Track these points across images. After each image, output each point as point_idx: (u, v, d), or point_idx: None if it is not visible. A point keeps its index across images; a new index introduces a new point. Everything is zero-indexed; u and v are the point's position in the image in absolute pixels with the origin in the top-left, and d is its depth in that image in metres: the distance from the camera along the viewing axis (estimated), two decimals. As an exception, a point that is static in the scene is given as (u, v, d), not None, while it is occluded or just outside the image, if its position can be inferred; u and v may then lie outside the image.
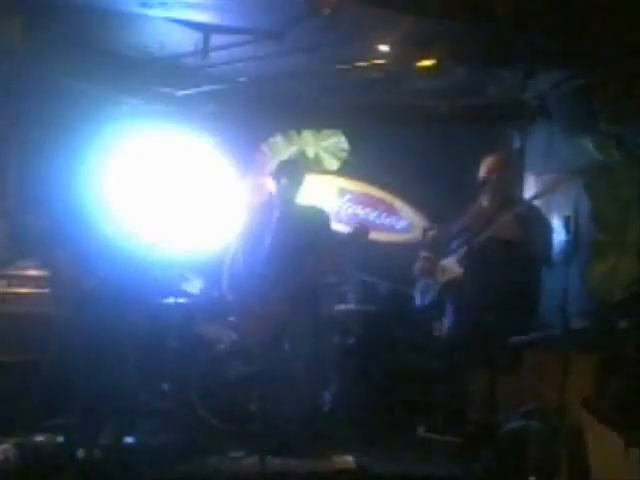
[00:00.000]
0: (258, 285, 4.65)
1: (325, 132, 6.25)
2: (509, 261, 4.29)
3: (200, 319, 5.25)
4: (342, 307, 5.49)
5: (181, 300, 5.22)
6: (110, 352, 4.44)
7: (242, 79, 5.33)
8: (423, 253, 4.74)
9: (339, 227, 5.70)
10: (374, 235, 6.09)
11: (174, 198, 5.89)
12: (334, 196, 6.28)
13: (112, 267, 4.61)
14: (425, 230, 5.93)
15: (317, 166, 6.18)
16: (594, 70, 4.62)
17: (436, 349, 5.25)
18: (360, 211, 6.34)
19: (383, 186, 6.32)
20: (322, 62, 4.94)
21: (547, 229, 4.42)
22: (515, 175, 4.91)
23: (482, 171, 4.53)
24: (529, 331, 4.09)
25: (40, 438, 4.17)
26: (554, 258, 4.37)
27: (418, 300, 4.75)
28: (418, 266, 4.72)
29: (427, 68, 4.83)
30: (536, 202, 4.67)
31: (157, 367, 5.02)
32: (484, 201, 4.56)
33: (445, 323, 4.68)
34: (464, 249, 4.44)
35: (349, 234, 4.78)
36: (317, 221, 4.80)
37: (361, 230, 4.68)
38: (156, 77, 5.39)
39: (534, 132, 5.63)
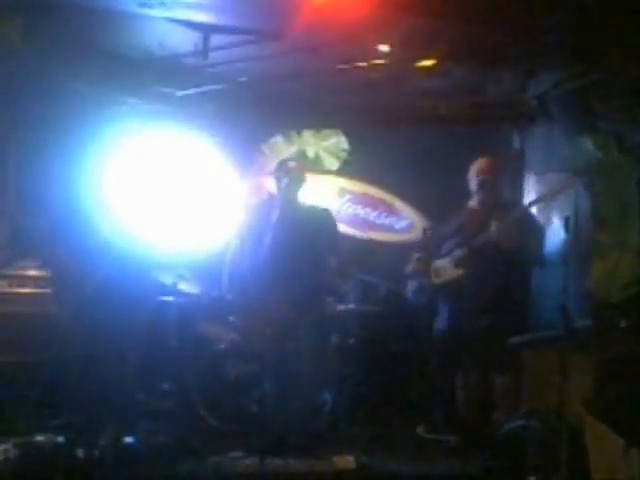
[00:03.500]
0: (259, 285, 4.64)
1: (325, 132, 6.25)
2: (504, 265, 4.34)
3: (200, 319, 5.25)
4: (342, 307, 5.49)
5: (181, 300, 5.22)
6: (110, 352, 4.44)
7: (242, 79, 5.33)
8: (416, 254, 4.78)
9: (340, 227, 5.70)
10: (374, 235, 6.13)
11: (174, 198, 5.89)
12: (334, 196, 6.28)
13: (113, 267, 4.61)
14: (425, 230, 5.95)
15: (317, 166, 6.18)
16: (594, 70, 4.62)
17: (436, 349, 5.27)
18: (360, 211, 6.34)
19: (383, 186, 6.33)
20: (322, 62, 4.94)
21: (540, 234, 4.51)
22: (505, 177, 4.97)
23: (473, 173, 4.60)
24: (527, 331, 4.10)
25: (40, 438, 4.16)
26: (546, 260, 4.48)
27: (411, 300, 4.80)
28: (411, 267, 4.76)
29: (427, 68, 4.83)
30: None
31: (157, 367, 5.01)
32: (475, 203, 4.63)
33: (437, 323, 4.71)
34: (460, 251, 4.48)
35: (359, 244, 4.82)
36: (323, 221, 4.80)
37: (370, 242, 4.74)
38: (156, 77, 5.39)
39: (534, 132, 5.63)
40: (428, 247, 4.76)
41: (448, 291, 4.57)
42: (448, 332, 4.56)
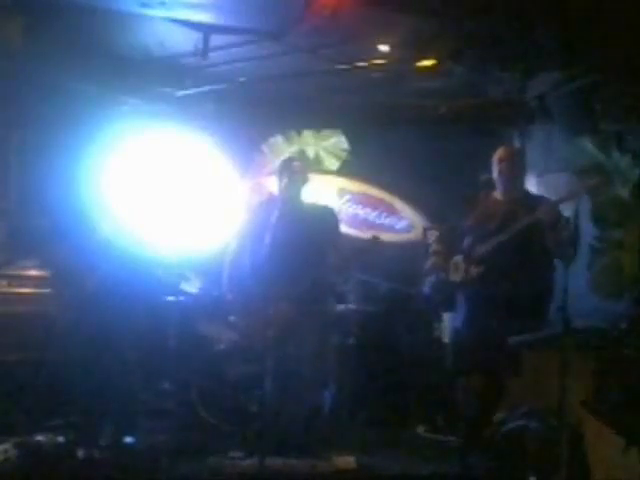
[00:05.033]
0: (260, 284, 4.64)
1: (325, 132, 6.25)
2: (533, 259, 4.23)
3: (200, 319, 5.25)
4: (342, 307, 5.49)
5: (182, 300, 5.22)
6: (111, 352, 4.44)
7: (242, 79, 5.34)
8: (434, 247, 4.66)
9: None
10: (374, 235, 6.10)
11: (174, 198, 5.89)
12: (334, 196, 6.28)
13: (113, 267, 4.61)
14: (425, 230, 5.94)
15: (317, 166, 6.18)
16: (594, 70, 4.62)
17: (436, 349, 5.27)
18: (360, 211, 6.35)
19: (383, 186, 6.33)
20: (322, 62, 4.94)
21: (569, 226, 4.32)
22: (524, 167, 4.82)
23: (494, 162, 4.44)
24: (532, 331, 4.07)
25: (40, 438, 4.16)
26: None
27: (428, 296, 4.67)
28: (429, 262, 4.64)
29: (427, 68, 4.83)
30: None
31: (157, 367, 5.02)
32: (497, 194, 4.48)
33: (454, 321, 4.62)
34: (486, 246, 4.34)
35: (362, 244, 4.78)
36: (326, 220, 4.78)
37: (374, 240, 4.69)
38: (156, 77, 5.40)
39: (534, 132, 5.63)
40: (446, 241, 4.64)
41: (466, 288, 4.45)
42: (464, 330, 4.46)
